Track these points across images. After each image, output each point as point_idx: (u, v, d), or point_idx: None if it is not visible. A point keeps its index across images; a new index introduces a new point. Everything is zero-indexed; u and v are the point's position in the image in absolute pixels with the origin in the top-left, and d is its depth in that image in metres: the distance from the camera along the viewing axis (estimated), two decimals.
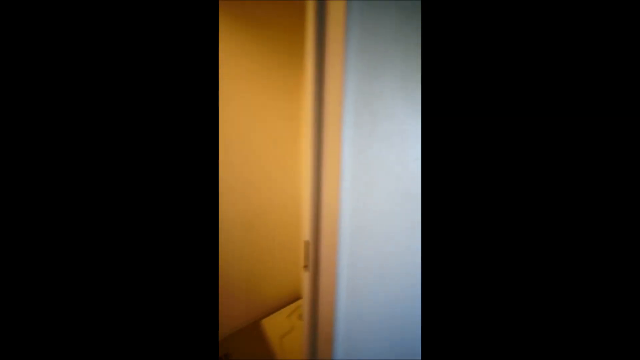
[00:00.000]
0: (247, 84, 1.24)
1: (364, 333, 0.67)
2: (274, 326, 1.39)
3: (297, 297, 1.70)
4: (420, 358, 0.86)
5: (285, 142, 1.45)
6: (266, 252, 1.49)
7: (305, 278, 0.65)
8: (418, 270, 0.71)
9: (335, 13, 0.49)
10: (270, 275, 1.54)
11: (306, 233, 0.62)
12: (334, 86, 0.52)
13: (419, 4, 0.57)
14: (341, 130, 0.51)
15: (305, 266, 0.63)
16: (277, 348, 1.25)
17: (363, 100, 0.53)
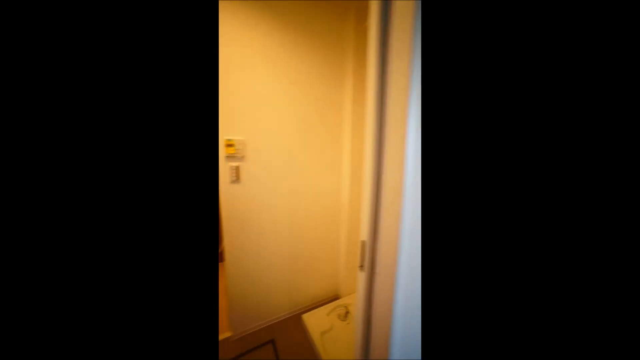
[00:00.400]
0: (292, 92, 1.32)
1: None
2: (314, 322, 1.43)
3: (335, 297, 1.72)
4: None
5: (326, 148, 1.49)
6: (307, 253, 1.55)
7: (360, 278, 0.66)
8: None
9: (403, 13, 0.49)
10: (310, 274, 1.59)
11: (364, 233, 0.63)
12: (397, 86, 0.52)
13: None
14: (406, 129, 0.51)
15: (361, 266, 0.65)
16: (318, 343, 1.28)
17: None
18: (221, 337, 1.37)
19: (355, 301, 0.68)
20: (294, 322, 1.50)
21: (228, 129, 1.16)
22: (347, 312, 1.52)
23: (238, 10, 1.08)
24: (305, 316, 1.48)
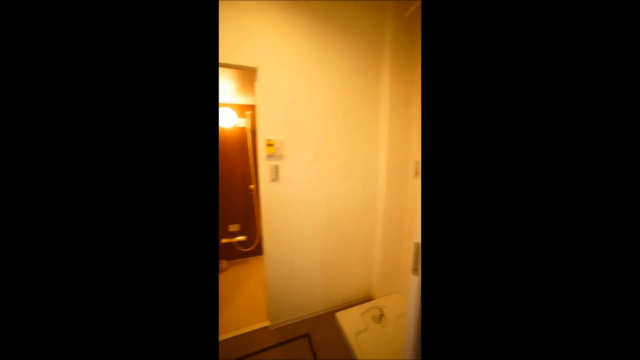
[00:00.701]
0: (328, 91, 1.32)
1: None
2: (348, 321, 1.43)
3: (367, 298, 1.69)
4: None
5: (362, 148, 1.46)
6: (342, 252, 1.55)
7: (414, 282, 0.64)
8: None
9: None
10: (344, 274, 1.59)
11: (417, 235, 0.60)
12: None
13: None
14: None
15: (415, 269, 0.62)
16: (353, 342, 1.28)
17: None
18: (260, 325, 1.46)
19: (407, 304, 0.65)
20: (328, 319, 1.52)
21: (269, 129, 1.22)
22: (382, 315, 1.48)
23: (274, 9, 1.13)
24: (339, 314, 1.48)
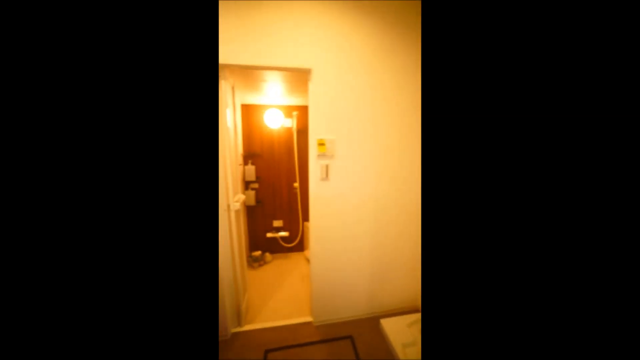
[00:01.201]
0: (376, 93, 1.26)
1: None
2: (394, 330, 1.36)
3: (414, 309, 1.58)
4: None
5: (415, 153, 1.36)
6: (388, 258, 1.48)
7: None
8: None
9: None
10: (390, 280, 1.52)
11: None
12: None
13: None
14: None
15: None
16: (400, 353, 1.21)
17: None
18: (303, 320, 1.50)
19: None
20: (371, 324, 1.47)
21: (321, 129, 1.23)
22: None
23: (328, 10, 1.13)
24: (383, 321, 1.42)
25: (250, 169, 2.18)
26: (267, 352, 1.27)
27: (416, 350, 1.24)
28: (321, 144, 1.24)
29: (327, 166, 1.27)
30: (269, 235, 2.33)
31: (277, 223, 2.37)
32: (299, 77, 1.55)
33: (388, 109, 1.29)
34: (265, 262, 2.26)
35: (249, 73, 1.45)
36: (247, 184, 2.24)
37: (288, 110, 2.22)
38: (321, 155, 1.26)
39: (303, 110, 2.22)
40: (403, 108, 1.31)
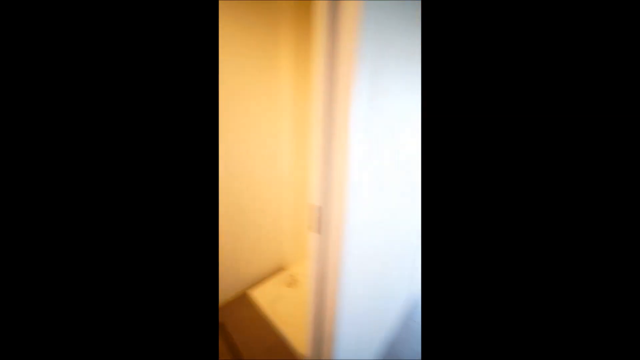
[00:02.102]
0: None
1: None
2: (263, 294, 1.45)
3: (279, 269, 1.78)
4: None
5: (264, 113, 1.39)
6: (248, 230, 1.49)
7: (313, 239, 0.71)
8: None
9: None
10: (253, 250, 1.56)
11: (315, 198, 0.66)
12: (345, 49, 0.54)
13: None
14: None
15: (312, 227, 0.69)
16: (270, 312, 1.33)
17: (373, 92, 0.58)
18: None
19: (309, 262, 0.73)
20: (242, 301, 1.48)
21: None
22: (295, 280, 1.61)
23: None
24: (251, 292, 1.47)
25: None
26: None
27: (283, 302, 1.42)
28: None
29: None
30: None
31: None
32: None
33: (236, 74, 1.15)
34: None
35: None
36: None
37: None
38: None
39: None
40: (255, 67, 1.23)
